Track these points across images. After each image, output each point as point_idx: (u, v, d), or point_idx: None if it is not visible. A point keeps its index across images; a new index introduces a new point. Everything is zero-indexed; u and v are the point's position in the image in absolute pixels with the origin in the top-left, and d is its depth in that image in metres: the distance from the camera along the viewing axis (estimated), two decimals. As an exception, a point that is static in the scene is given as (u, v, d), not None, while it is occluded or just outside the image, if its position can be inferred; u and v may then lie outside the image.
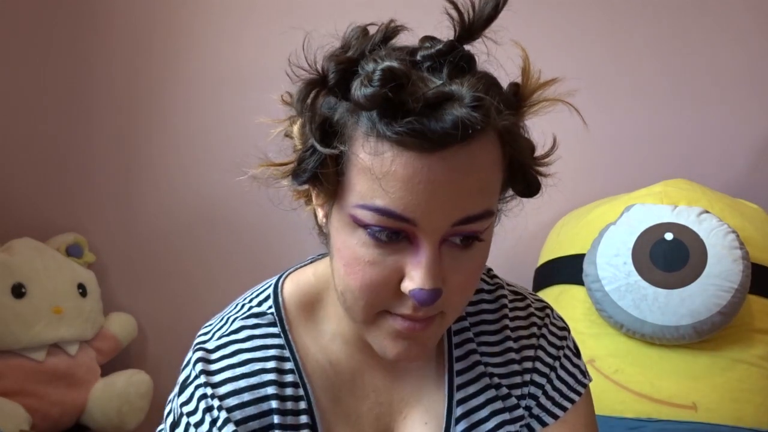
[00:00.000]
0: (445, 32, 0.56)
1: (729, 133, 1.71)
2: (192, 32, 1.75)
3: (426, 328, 0.59)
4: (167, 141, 1.78)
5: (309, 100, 0.56)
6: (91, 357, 1.66)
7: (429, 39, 0.58)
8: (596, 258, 1.39)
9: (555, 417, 0.72)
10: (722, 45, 1.69)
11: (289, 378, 0.65)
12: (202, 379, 0.64)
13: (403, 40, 0.58)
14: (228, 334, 0.67)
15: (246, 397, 0.63)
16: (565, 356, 0.74)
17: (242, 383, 0.64)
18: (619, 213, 1.44)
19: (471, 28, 0.55)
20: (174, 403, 0.66)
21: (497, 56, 0.58)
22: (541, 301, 0.77)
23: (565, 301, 1.48)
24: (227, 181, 1.71)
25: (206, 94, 1.76)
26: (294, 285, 0.70)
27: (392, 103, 0.52)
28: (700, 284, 1.31)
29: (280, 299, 0.69)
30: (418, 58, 0.55)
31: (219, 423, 0.62)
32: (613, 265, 1.37)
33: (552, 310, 0.76)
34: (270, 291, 0.70)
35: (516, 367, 0.72)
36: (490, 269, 0.76)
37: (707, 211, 1.38)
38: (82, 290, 1.66)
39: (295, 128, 0.59)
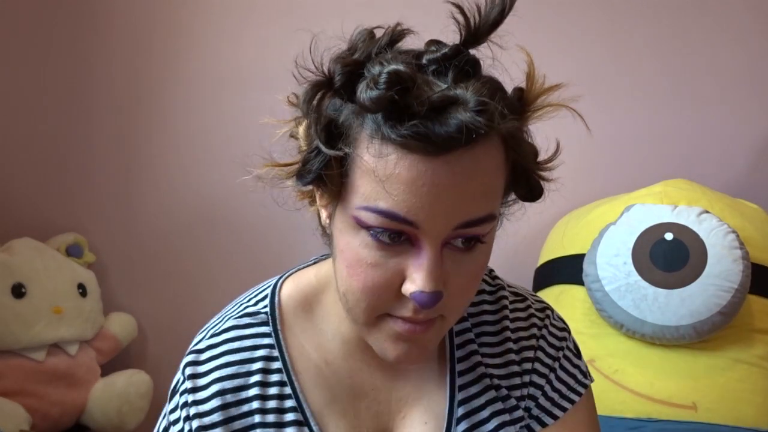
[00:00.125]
0: (451, 36, 0.56)
1: (729, 133, 1.72)
2: (192, 32, 1.74)
3: (426, 330, 0.59)
4: (167, 141, 1.78)
5: (315, 102, 0.56)
6: (91, 357, 1.66)
7: (435, 43, 0.58)
8: (596, 258, 1.39)
9: (554, 417, 0.72)
10: (722, 45, 1.69)
11: (274, 377, 0.67)
12: (188, 384, 0.66)
13: (409, 43, 0.58)
14: (219, 333, 0.68)
15: (229, 398, 0.65)
16: (565, 357, 0.74)
17: (227, 384, 0.66)
18: (619, 213, 1.44)
19: (477, 33, 0.55)
20: (165, 409, 0.68)
21: (502, 61, 0.58)
22: (542, 302, 0.77)
23: (565, 301, 1.48)
24: (227, 181, 1.72)
25: (206, 94, 1.76)
26: (294, 285, 0.71)
27: (397, 106, 0.52)
28: (700, 284, 1.31)
29: (276, 299, 0.70)
30: (424, 61, 0.55)
31: None
32: (613, 265, 1.37)
33: (552, 311, 0.77)
34: (268, 291, 0.71)
35: (515, 368, 0.72)
36: (491, 270, 0.77)
37: (707, 211, 1.38)
38: (82, 290, 1.66)
39: (301, 129, 0.59)
